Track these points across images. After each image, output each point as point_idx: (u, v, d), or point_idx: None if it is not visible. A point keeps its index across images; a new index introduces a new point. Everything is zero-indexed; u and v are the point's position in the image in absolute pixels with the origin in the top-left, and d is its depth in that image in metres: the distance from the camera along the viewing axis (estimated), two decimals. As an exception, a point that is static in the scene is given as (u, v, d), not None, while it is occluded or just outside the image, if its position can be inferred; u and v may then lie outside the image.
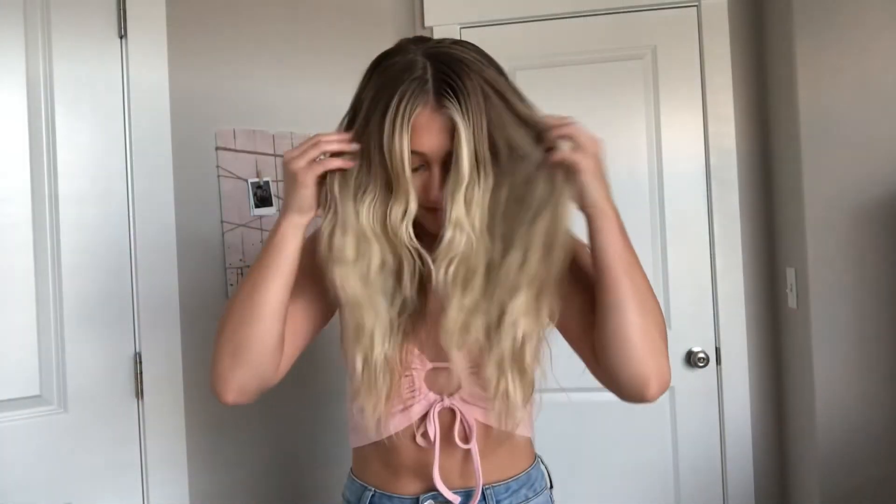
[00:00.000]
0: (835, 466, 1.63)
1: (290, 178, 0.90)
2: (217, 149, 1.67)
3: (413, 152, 0.87)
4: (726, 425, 1.91)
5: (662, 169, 1.94)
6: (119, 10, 1.51)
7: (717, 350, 1.92)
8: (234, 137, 1.69)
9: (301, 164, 0.89)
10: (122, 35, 1.51)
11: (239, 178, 1.69)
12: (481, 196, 0.88)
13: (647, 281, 0.92)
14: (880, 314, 1.61)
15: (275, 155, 1.74)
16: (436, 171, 0.89)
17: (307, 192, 0.90)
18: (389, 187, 0.89)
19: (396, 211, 0.89)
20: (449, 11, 1.99)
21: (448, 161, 0.88)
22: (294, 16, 1.81)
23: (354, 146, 0.89)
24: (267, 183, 1.72)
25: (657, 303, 0.93)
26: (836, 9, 1.63)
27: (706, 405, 1.92)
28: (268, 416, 1.71)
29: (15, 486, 1.37)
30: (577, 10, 1.96)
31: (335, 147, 0.89)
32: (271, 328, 0.92)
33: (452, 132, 0.86)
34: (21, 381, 1.39)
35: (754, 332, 1.92)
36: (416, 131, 0.86)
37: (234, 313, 0.93)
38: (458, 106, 0.85)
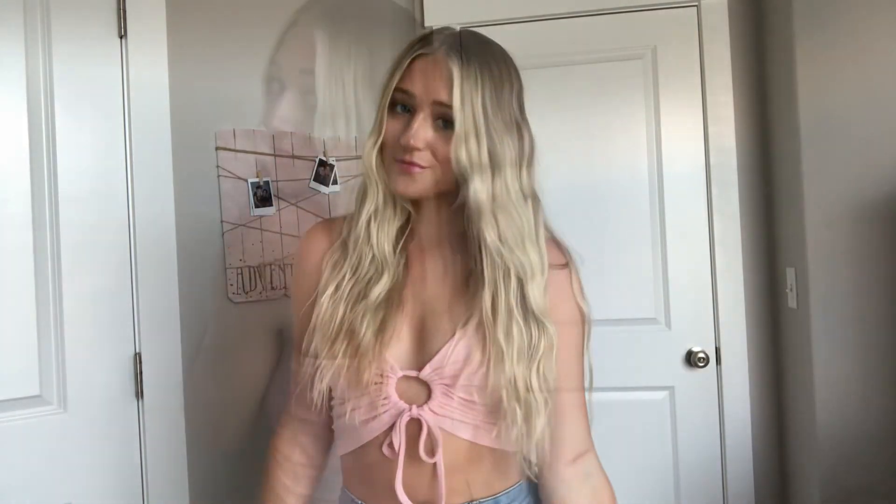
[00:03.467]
0: (835, 466, 1.62)
1: None
2: (217, 149, 1.67)
3: (403, 91, 0.88)
4: (726, 425, 1.91)
5: (662, 169, 1.94)
6: (119, 10, 1.51)
7: (717, 350, 1.92)
8: (234, 137, 1.69)
9: None
10: (122, 35, 1.51)
11: (239, 177, 1.69)
12: (480, 152, 0.86)
13: None
14: (880, 314, 1.61)
15: (275, 155, 1.74)
16: (419, 115, 0.88)
17: None
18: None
19: (368, 142, 0.91)
20: (449, 11, 1.99)
21: (439, 116, 0.87)
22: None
23: None
24: (267, 183, 1.72)
25: None
26: (836, 9, 1.62)
27: (706, 405, 1.92)
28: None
29: (15, 486, 1.36)
30: (577, 10, 1.96)
31: None
32: None
33: (450, 86, 0.85)
34: (21, 381, 1.39)
35: (754, 332, 1.92)
36: (411, 72, 0.88)
37: None
38: (460, 63, 0.85)
